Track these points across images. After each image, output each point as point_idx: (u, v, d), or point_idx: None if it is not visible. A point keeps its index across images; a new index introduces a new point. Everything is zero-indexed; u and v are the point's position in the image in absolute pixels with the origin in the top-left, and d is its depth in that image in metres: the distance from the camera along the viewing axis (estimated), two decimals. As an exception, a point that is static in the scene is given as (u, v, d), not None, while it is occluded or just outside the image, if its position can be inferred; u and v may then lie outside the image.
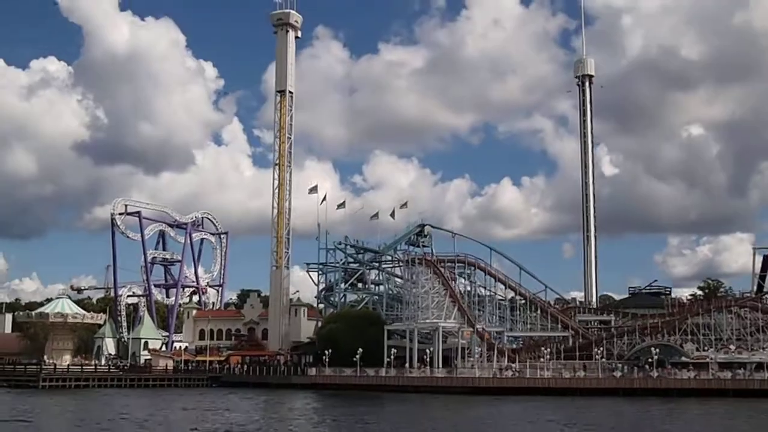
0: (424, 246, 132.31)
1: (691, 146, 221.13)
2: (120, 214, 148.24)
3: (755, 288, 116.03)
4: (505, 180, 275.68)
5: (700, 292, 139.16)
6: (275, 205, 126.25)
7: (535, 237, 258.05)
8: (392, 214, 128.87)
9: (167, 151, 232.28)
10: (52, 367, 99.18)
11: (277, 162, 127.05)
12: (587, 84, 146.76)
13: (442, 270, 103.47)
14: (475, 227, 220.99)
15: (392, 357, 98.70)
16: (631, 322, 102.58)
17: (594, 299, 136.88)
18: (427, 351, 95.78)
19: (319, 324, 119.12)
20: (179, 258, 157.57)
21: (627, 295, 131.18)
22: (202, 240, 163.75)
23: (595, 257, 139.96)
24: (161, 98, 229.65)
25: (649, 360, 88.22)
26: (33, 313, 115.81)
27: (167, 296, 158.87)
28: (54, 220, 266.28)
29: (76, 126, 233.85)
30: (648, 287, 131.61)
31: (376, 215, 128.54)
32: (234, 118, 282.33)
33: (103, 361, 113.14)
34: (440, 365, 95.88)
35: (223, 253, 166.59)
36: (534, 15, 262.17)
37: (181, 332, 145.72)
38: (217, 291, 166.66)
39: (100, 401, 76.77)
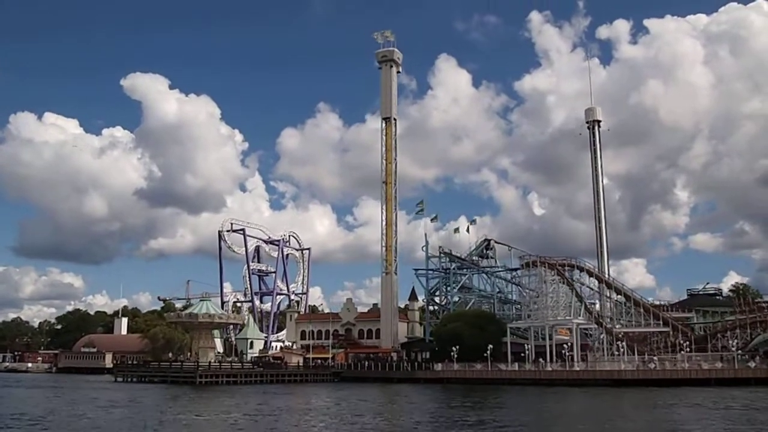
0: (489, 257, 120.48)
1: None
2: (227, 231, 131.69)
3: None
4: (461, 218, 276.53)
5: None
6: (383, 218, 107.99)
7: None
8: (467, 229, 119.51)
9: (205, 196, 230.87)
10: (207, 365, 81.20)
11: (385, 180, 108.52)
12: (596, 127, 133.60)
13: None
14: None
15: (528, 353, 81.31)
16: (743, 316, 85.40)
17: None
18: (564, 346, 78.22)
19: (434, 325, 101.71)
20: (272, 270, 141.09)
21: (686, 297, 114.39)
22: (287, 255, 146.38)
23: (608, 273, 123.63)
24: (201, 156, 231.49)
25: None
26: (183, 313, 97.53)
27: (261, 302, 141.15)
28: (119, 250, 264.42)
29: (137, 177, 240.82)
30: (703, 290, 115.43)
31: (457, 230, 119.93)
32: (256, 172, 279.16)
33: (212, 358, 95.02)
34: (578, 359, 78.73)
35: (306, 266, 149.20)
36: (482, 95, 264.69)
37: (275, 332, 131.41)
38: (301, 298, 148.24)
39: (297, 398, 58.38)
